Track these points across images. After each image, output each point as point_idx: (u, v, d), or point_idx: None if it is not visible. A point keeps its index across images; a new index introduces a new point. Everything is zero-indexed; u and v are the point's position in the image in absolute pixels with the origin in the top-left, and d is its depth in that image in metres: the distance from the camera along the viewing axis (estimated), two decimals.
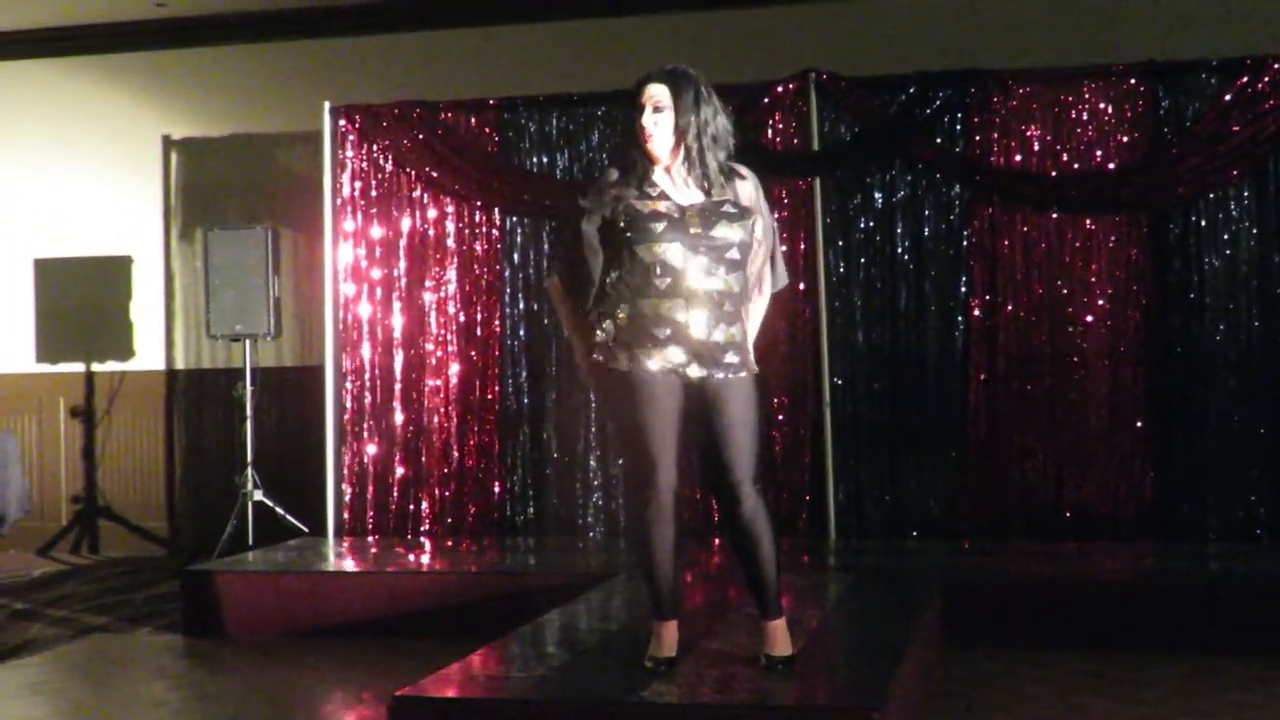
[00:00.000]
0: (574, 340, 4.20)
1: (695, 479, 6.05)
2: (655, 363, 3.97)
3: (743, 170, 4.11)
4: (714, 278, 3.96)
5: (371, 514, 7.75)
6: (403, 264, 7.80)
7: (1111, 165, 7.18)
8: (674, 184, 4.05)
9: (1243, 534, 6.93)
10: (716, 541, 7.07)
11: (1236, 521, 6.98)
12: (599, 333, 4.06)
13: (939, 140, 7.33)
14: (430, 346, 7.77)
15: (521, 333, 7.74)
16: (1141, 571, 6.36)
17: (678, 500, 4.10)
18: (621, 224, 4.00)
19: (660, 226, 3.97)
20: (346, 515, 7.77)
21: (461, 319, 7.75)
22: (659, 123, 4.00)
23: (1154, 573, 6.33)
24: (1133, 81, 7.16)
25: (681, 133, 4.00)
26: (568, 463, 7.64)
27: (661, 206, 4.00)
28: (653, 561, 4.10)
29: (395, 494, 7.76)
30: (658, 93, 4.01)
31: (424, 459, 7.75)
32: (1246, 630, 5.55)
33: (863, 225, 7.38)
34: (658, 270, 3.96)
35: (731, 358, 3.98)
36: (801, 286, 7.30)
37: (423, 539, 7.60)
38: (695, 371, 3.97)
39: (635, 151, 4.07)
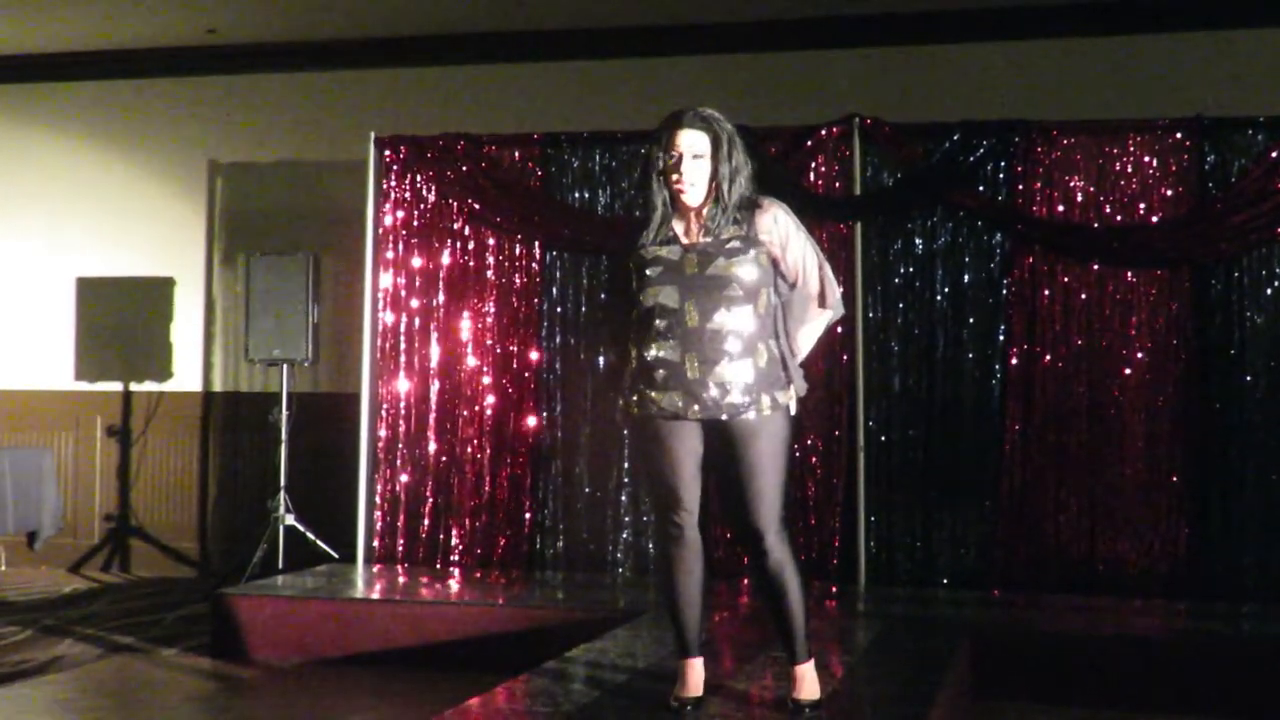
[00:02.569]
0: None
1: (724, 519, 6.03)
2: (654, 406, 3.98)
3: (763, 200, 4.05)
4: (713, 317, 3.92)
5: (402, 542, 7.76)
6: (442, 295, 7.83)
7: (1155, 219, 7.15)
8: (692, 228, 4.03)
9: (1278, 593, 6.84)
10: (745, 582, 7.04)
11: (1272, 580, 6.89)
12: (626, 378, 4.08)
13: (981, 188, 7.31)
14: (466, 377, 7.79)
15: (557, 366, 7.74)
16: (1175, 630, 6.30)
17: (705, 538, 4.10)
18: (632, 274, 4.03)
19: (657, 271, 3.98)
20: (377, 543, 7.77)
21: (498, 351, 7.77)
22: (697, 169, 3.98)
23: (1187, 631, 6.26)
24: (1178, 136, 7.14)
25: (719, 182, 3.98)
26: (599, 498, 7.63)
27: (664, 251, 4.00)
28: (676, 599, 4.11)
29: (426, 523, 7.76)
30: (696, 141, 3.98)
31: (455, 489, 7.76)
32: None
33: (902, 271, 7.37)
34: (656, 314, 3.97)
35: (738, 397, 3.92)
36: (839, 330, 7.29)
37: (452, 569, 7.60)
38: (696, 413, 3.95)
39: (658, 197, 4.03)
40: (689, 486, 4.02)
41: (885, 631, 5.82)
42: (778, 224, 4.03)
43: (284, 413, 8.12)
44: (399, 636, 6.26)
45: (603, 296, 4.27)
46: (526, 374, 7.74)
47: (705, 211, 4.01)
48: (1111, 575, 7.03)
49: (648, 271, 3.99)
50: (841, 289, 7.22)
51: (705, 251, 3.97)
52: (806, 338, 4.15)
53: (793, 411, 4.04)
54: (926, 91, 7.96)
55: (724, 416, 3.94)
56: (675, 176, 3.98)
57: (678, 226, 4.05)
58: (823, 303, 4.13)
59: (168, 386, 9.05)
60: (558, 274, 7.78)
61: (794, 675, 4.13)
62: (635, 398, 4.03)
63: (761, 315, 3.98)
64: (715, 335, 3.92)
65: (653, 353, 3.97)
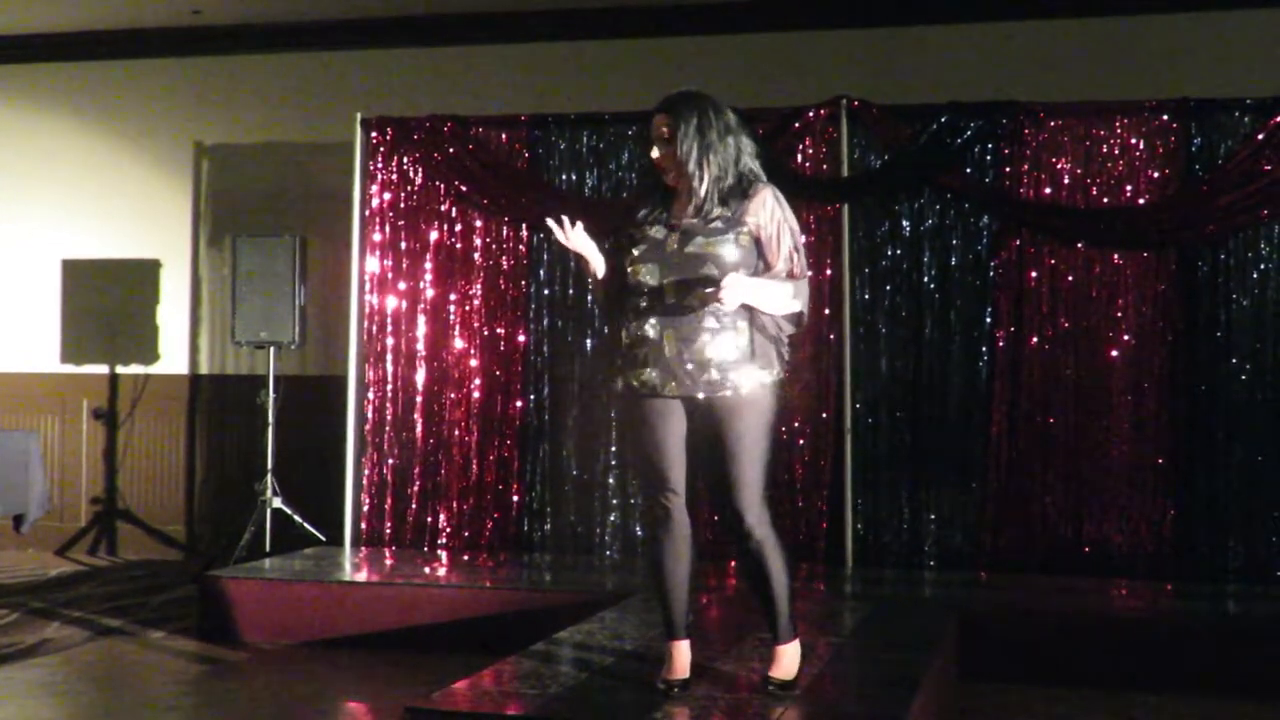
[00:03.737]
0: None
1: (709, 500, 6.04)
2: (635, 382, 4.01)
3: (758, 185, 4.06)
4: (691, 295, 3.95)
5: (389, 525, 7.76)
6: (429, 277, 7.82)
7: (1141, 201, 7.15)
8: (680, 206, 4.06)
9: (1263, 575, 6.87)
10: (733, 564, 7.05)
11: (1257, 562, 6.92)
12: (614, 356, 4.09)
13: (969, 170, 7.31)
14: (453, 360, 7.78)
15: (545, 349, 7.73)
16: (1160, 610, 6.32)
17: (694, 519, 4.10)
18: (623, 251, 4.07)
19: (640, 249, 4.02)
20: (364, 525, 7.77)
21: (485, 333, 7.76)
22: (665, 150, 4.03)
23: (1172, 612, 6.29)
24: (1165, 118, 7.14)
25: (681, 162, 4.01)
26: (586, 481, 7.63)
27: (652, 230, 4.04)
28: (664, 580, 4.12)
29: (413, 506, 7.76)
30: (661, 122, 4.04)
31: (443, 472, 7.76)
32: (1266, 673, 5.50)
33: (890, 253, 7.36)
34: (638, 292, 4.01)
35: (715, 375, 3.95)
36: (826, 312, 7.29)
37: (439, 552, 7.60)
38: (674, 390, 3.97)
39: (655, 176, 4.10)
40: (674, 466, 4.03)
41: (872, 612, 5.84)
42: (765, 207, 4.04)
43: (271, 395, 8.12)
44: (386, 619, 6.26)
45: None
46: (514, 356, 7.73)
47: (684, 190, 4.05)
48: (1097, 556, 7.05)
49: (634, 250, 4.03)
50: (831, 272, 7.29)
51: (688, 231, 4.00)
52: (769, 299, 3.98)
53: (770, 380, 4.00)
54: (914, 73, 7.95)
55: (701, 394, 3.96)
56: (653, 155, 4.05)
57: (669, 205, 4.08)
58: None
59: (154, 369, 9.03)
60: (545, 256, 7.77)
61: (773, 654, 4.15)
62: (619, 375, 4.05)
63: None
64: (696, 315, 3.95)
65: (634, 330, 4.01)
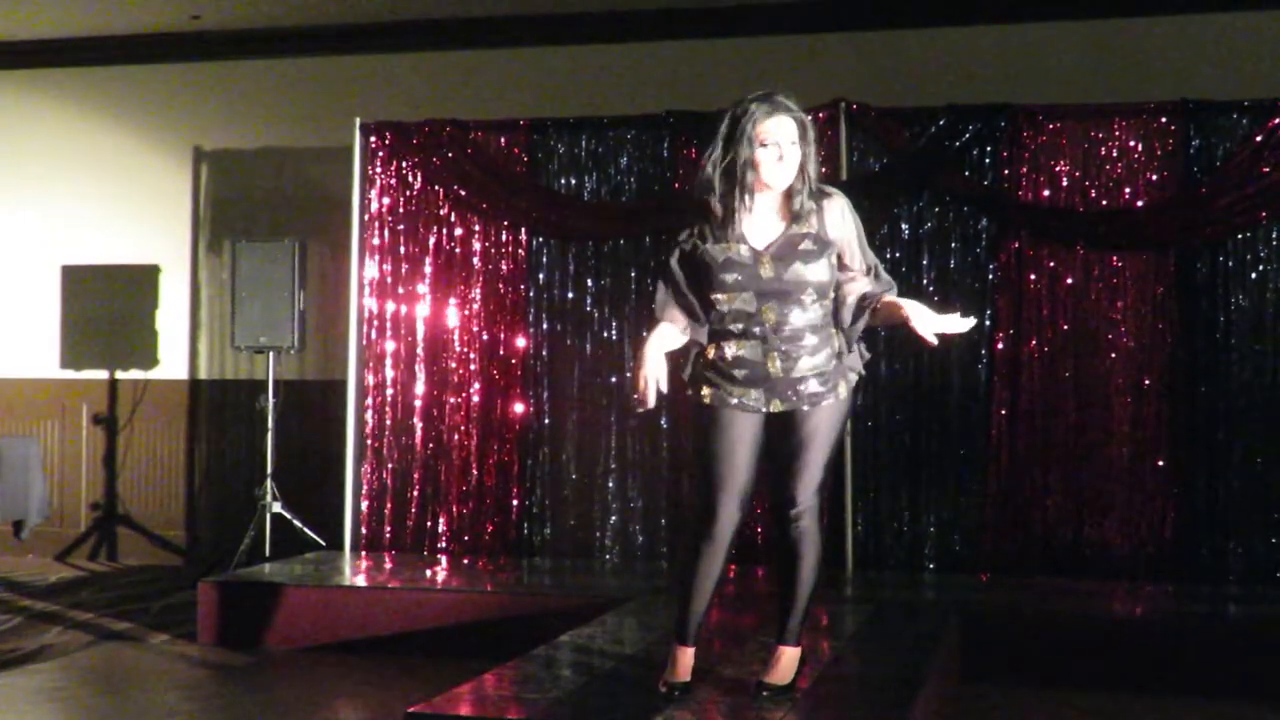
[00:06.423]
0: (637, 364, 4.04)
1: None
2: (735, 399, 4.03)
3: (830, 189, 4.09)
4: (790, 318, 3.99)
5: (389, 529, 7.76)
6: (428, 281, 7.82)
7: (1140, 203, 7.16)
8: (759, 220, 4.03)
9: (1263, 576, 6.88)
10: (733, 568, 7.05)
11: (1258, 563, 6.92)
12: (689, 366, 4.11)
13: (967, 173, 7.32)
14: (453, 364, 7.79)
15: (544, 353, 7.74)
16: (1160, 612, 6.33)
17: (735, 535, 4.10)
18: (702, 269, 4.04)
19: (732, 277, 3.99)
20: (364, 530, 7.77)
21: (485, 338, 7.76)
22: (785, 157, 3.96)
23: (1173, 614, 6.29)
24: (1164, 120, 7.15)
25: (803, 169, 4.00)
26: (586, 484, 7.63)
27: (735, 253, 4.00)
28: (691, 586, 4.14)
29: (413, 510, 7.76)
30: (791, 129, 3.97)
31: (443, 476, 7.76)
32: (1267, 675, 5.51)
33: (889, 256, 7.35)
34: (733, 317, 4.02)
35: (815, 386, 4.01)
36: None
37: (439, 556, 7.60)
38: (776, 407, 4.02)
39: (724, 189, 4.00)
40: (738, 477, 4.05)
41: (874, 615, 5.84)
42: (844, 219, 4.08)
43: (270, 400, 8.11)
44: (387, 623, 6.27)
45: (670, 268, 4.11)
46: (513, 360, 7.73)
47: (773, 202, 4.03)
48: (1098, 558, 7.05)
49: (723, 276, 4.00)
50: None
51: (779, 256, 3.99)
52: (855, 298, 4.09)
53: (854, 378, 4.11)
54: (913, 75, 7.95)
55: (805, 407, 4.01)
56: (771, 163, 3.95)
57: (742, 221, 4.03)
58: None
59: (154, 374, 9.03)
60: (544, 260, 7.77)
61: (773, 655, 4.15)
62: (709, 389, 4.06)
63: (829, 307, 4.06)
64: (794, 334, 3.99)
65: (731, 352, 4.03)
